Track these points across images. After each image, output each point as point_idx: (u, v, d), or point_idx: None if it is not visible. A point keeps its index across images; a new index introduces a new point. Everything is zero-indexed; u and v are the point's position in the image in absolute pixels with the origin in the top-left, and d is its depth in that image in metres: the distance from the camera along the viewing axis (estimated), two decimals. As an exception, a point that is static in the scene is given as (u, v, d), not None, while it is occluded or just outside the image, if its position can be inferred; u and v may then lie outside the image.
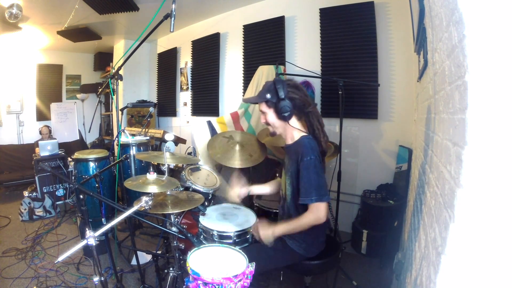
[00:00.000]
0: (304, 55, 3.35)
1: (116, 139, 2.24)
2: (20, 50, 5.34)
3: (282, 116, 1.48)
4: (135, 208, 1.17)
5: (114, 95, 2.05)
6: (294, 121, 1.54)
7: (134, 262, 2.33)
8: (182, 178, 2.10)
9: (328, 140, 1.57)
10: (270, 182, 1.88)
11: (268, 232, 1.48)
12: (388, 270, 2.18)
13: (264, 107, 1.54)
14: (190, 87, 4.76)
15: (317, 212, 1.37)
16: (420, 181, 1.58)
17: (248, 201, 2.39)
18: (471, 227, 0.65)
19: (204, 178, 2.27)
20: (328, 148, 1.72)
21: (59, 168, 3.65)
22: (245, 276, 1.19)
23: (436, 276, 0.76)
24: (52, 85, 5.86)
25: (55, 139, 4.00)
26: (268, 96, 1.49)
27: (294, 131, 1.54)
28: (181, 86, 4.96)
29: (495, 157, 0.61)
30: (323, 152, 1.55)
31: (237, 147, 2.30)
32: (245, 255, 1.29)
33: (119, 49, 5.54)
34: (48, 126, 4.76)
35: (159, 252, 2.42)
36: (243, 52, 3.89)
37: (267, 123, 1.58)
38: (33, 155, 3.80)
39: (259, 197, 2.17)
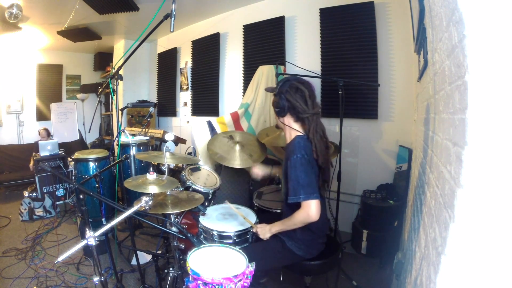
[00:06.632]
0: (304, 55, 3.35)
1: (116, 139, 2.24)
2: (20, 50, 5.33)
3: (275, 110, 1.56)
4: (135, 208, 1.17)
5: (114, 95, 2.05)
6: (290, 121, 1.56)
7: (134, 262, 2.33)
8: (182, 178, 2.10)
9: (321, 152, 1.49)
10: None
11: (265, 228, 1.56)
12: (388, 270, 2.18)
13: (273, 98, 1.62)
14: (190, 87, 4.76)
15: (308, 210, 1.38)
16: (420, 181, 1.58)
17: (248, 201, 2.40)
18: (471, 227, 0.65)
19: (204, 178, 2.27)
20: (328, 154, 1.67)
21: (59, 168, 3.65)
22: (245, 276, 1.19)
23: (436, 276, 0.76)
24: (52, 85, 5.86)
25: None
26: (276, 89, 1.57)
27: (291, 130, 1.56)
28: (181, 86, 4.96)
29: (495, 157, 0.61)
30: (326, 160, 1.54)
31: (237, 147, 2.30)
32: (245, 255, 1.29)
33: (119, 49, 5.54)
34: (46, 129, 4.75)
35: (159, 252, 2.42)
36: (243, 52, 3.89)
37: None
38: (33, 155, 3.80)
39: (259, 196, 2.18)
